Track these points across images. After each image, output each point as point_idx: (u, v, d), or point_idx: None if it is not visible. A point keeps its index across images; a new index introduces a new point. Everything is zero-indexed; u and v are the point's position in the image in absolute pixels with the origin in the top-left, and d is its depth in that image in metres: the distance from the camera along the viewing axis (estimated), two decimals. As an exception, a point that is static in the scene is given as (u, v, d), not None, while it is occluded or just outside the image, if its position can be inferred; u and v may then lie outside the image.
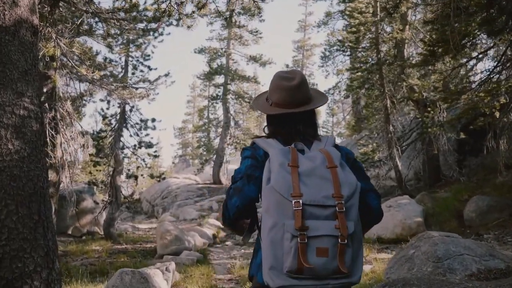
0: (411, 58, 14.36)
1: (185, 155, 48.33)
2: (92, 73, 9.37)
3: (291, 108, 1.99)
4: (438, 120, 13.97)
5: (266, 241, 1.69)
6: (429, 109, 13.25)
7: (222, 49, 27.33)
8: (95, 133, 14.53)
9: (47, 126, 10.69)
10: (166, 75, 12.63)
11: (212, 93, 30.17)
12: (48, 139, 10.62)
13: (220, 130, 28.81)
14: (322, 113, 50.50)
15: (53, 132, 10.70)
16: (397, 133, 14.47)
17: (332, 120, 54.90)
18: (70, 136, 11.56)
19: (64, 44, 8.62)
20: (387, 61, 12.87)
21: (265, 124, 2.14)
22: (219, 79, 27.77)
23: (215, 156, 27.84)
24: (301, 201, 1.64)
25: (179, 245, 10.58)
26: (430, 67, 13.66)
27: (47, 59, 10.56)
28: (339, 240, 1.63)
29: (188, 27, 7.26)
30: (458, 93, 11.49)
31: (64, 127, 11.29)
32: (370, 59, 13.48)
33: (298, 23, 43.11)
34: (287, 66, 44.97)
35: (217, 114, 33.38)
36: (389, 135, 12.93)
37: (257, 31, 26.55)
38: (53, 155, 10.69)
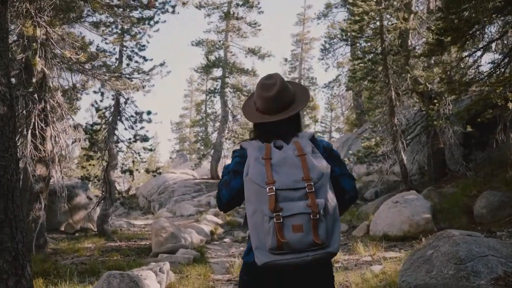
0: (416, 48, 13.83)
1: (183, 150, 47.84)
2: (77, 54, 8.78)
3: (274, 114, 2.19)
4: (444, 113, 13.48)
5: (250, 226, 1.92)
6: (435, 101, 12.73)
7: (220, 41, 26.78)
8: (88, 126, 13.96)
9: (36, 118, 10.19)
10: (161, 64, 12.06)
11: (210, 87, 29.63)
12: (37, 132, 10.12)
13: (218, 124, 28.31)
14: (321, 108, 49.92)
15: (42, 124, 10.19)
16: (401, 126, 13.94)
17: (330, 115, 54.48)
18: (62, 129, 11.06)
19: (46, 23, 8.05)
20: (392, 51, 12.34)
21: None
22: (217, 72, 27.24)
23: (212, 150, 27.33)
24: (274, 187, 1.87)
25: (175, 242, 10.08)
26: (435, 58, 13.18)
27: (34, 45, 10.10)
28: (311, 216, 1.83)
29: (184, 3, 6.73)
30: (467, 84, 10.99)
31: (55, 119, 10.78)
32: (374, 49, 12.94)
33: (297, 16, 42.66)
34: (285, 60, 44.57)
35: (215, 108, 32.85)
36: (394, 128, 12.42)
37: (255, 23, 26.04)
38: (42, 149, 10.17)
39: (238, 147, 2.28)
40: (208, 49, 26.53)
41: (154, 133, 58.08)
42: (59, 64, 10.73)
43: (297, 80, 44.06)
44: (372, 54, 12.64)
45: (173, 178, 26.45)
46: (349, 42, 16.68)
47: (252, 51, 26.24)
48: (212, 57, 26.28)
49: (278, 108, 2.19)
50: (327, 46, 26.46)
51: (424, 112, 14.34)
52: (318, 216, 1.83)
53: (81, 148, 14.49)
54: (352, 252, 8.66)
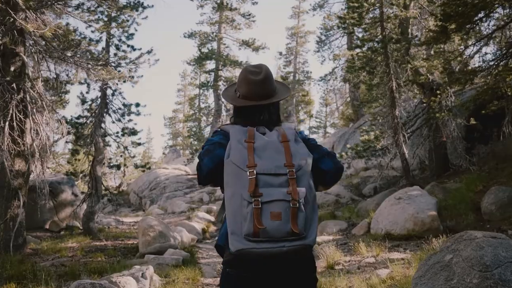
0: (419, 36, 13.20)
1: (176, 146, 47.15)
2: (43, 29, 8.10)
3: (257, 101, 2.18)
4: (446, 105, 12.90)
5: (228, 210, 1.88)
6: (437, 92, 12.12)
7: (213, 33, 25.97)
8: (74, 119, 13.28)
9: (14, 109, 9.50)
10: (148, 52, 11.34)
11: (203, 81, 28.93)
12: (15, 124, 9.44)
13: (211, 118, 27.63)
14: (316, 103, 49.33)
15: (21, 116, 9.50)
16: (401, 119, 13.33)
17: (325, 110, 54.01)
18: (43, 121, 10.37)
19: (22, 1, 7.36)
20: (393, 39, 11.70)
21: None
22: (210, 65, 26.46)
23: (205, 145, 26.59)
24: (255, 171, 1.82)
25: (163, 242, 9.45)
26: (437, 47, 12.60)
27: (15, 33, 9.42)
28: (291, 204, 1.78)
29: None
30: (472, 73, 10.40)
31: (35, 111, 10.09)
32: (374, 38, 12.28)
33: (292, 9, 41.84)
34: (280, 53, 43.85)
35: (208, 102, 32.22)
36: (395, 121, 11.79)
37: (249, 14, 25.28)
38: (21, 142, 9.49)
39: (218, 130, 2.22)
40: (200, 41, 25.73)
41: (147, 128, 57.16)
42: (39, 52, 10.05)
43: (292, 74, 43.47)
44: (372, 43, 11.98)
45: (165, 173, 25.76)
46: (346, 32, 15.95)
47: (246, 43, 25.46)
48: (205, 50, 25.50)
49: (263, 94, 2.19)
50: (323, 38, 25.88)
51: (425, 104, 13.76)
52: (297, 204, 1.79)
53: (65, 142, 13.79)
54: (353, 252, 8.04)
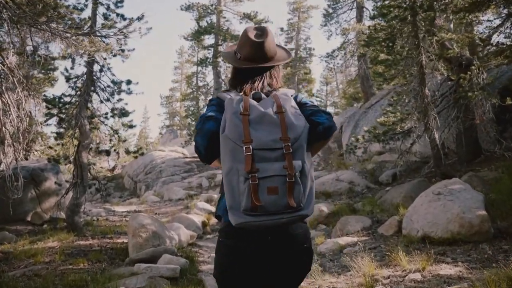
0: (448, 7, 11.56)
1: (173, 126, 45.58)
2: None
3: (259, 63, 2.19)
4: (477, 82, 11.33)
5: (225, 185, 1.89)
6: (473, 67, 10.55)
7: (212, 5, 24.28)
8: (56, 98, 11.68)
9: (-21, 86, 7.95)
10: (139, 18, 9.61)
11: (201, 57, 27.16)
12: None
13: (210, 97, 25.99)
14: (316, 82, 47.63)
15: (-13, 94, 7.95)
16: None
17: (326, 89, 52.42)
18: (15, 100, 8.80)
19: None
20: (424, 6, 10.05)
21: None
22: (209, 40, 24.82)
23: (204, 126, 24.97)
24: (251, 147, 1.83)
25: (157, 245, 7.98)
26: (474, 15, 11.00)
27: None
28: (287, 179, 1.81)
29: None
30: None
31: (4, 89, 8.50)
32: (400, 4, 10.58)
33: (294, -18, 39.85)
34: (281, 29, 42.03)
35: (207, 80, 30.53)
36: (425, 101, 10.20)
37: (251, -15, 23.52)
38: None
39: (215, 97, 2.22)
40: (199, 14, 24.01)
41: (144, 107, 55.62)
42: (10, 19, 8.41)
43: (293, 51, 41.71)
44: (397, 9, 10.31)
45: (161, 156, 24.22)
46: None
47: (247, 17, 23.73)
48: (203, 23, 23.81)
49: (265, 56, 2.19)
50: (330, 11, 24.08)
51: (452, 81, 12.20)
52: (294, 179, 1.82)
53: (45, 124, 12.24)
54: (390, 262, 6.55)
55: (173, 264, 7.12)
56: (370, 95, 23.13)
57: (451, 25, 14.95)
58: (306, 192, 1.88)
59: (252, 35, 2.19)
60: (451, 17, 12.86)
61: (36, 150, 19.17)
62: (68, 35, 8.54)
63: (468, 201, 7.41)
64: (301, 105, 2.13)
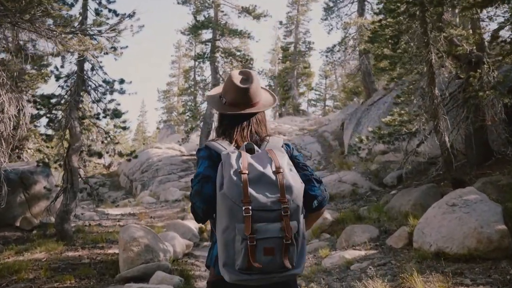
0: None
1: (170, 121, 44.92)
2: None
3: (244, 108, 2.19)
4: (488, 81, 10.74)
5: (220, 241, 1.88)
6: (485, 65, 9.97)
7: (209, -1, 23.54)
8: (45, 98, 11.09)
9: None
10: (130, 16, 8.97)
11: (199, 52, 26.50)
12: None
13: (207, 93, 25.34)
14: (315, 76, 46.99)
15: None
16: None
17: (325, 82, 51.77)
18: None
19: None
20: (434, 1, 9.43)
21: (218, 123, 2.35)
22: (207, 35, 24.16)
23: (202, 123, 24.30)
24: (250, 207, 1.81)
25: (150, 259, 7.41)
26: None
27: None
28: (284, 241, 1.82)
29: None
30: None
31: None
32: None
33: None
34: (280, 23, 41.38)
35: (205, 75, 29.88)
36: (435, 101, 9.61)
37: (250, -22, 22.83)
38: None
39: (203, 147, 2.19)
40: (196, 8, 23.31)
41: (141, 101, 54.88)
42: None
43: (292, 45, 41.06)
44: (406, 5, 9.68)
45: (158, 154, 23.62)
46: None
47: (246, 10, 23.04)
48: (200, 17, 23.12)
49: (250, 101, 2.20)
50: (331, 4, 23.44)
51: (461, 80, 11.62)
52: (290, 240, 1.83)
53: (34, 126, 11.66)
54: (403, 284, 5.98)
55: (167, 283, 6.58)
56: (372, 91, 22.53)
57: (457, 19, 14.37)
58: (300, 251, 1.91)
59: (237, 80, 2.19)
60: (456, 11, 12.28)
61: (29, 148, 18.58)
62: (54, 33, 7.93)
63: (485, 213, 6.85)
64: (293, 158, 2.14)
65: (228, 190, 1.84)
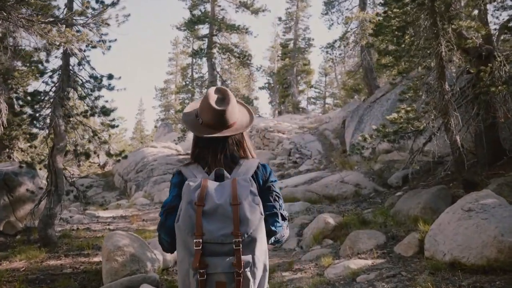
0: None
1: (167, 119, 44.26)
2: None
3: (219, 130, 2.09)
4: (500, 76, 10.09)
5: (179, 272, 1.90)
6: (497, 59, 9.31)
7: (206, -7, 22.82)
8: (28, 95, 10.42)
9: None
10: (113, 3, 8.31)
11: (196, 48, 25.79)
12: None
13: (205, 90, 24.70)
14: (315, 73, 46.26)
15: None
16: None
17: (325, 80, 51.13)
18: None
19: None
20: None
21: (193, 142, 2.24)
22: (203, 30, 23.48)
23: (199, 121, 23.59)
24: (201, 241, 1.77)
25: (136, 270, 6.74)
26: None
27: None
28: (235, 275, 1.76)
29: None
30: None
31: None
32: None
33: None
34: (279, 19, 40.71)
35: (202, 72, 29.21)
36: (445, 98, 8.94)
37: (247, -28, 22.13)
38: None
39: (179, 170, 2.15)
40: (192, 3, 22.61)
41: (139, 99, 54.20)
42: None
43: (292, 42, 40.38)
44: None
45: (153, 153, 22.92)
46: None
47: (244, 5, 22.34)
48: (197, 12, 22.41)
49: (226, 123, 2.11)
50: (332, -1, 22.74)
51: (471, 75, 10.95)
52: (241, 275, 1.78)
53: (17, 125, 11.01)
54: (417, 301, 5.33)
55: (152, 298, 5.91)
56: (374, 88, 21.84)
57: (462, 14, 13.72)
58: (256, 284, 1.85)
59: (212, 101, 2.11)
60: (462, 3, 11.62)
61: (20, 148, 17.93)
62: (29, 24, 7.25)
63: (506, 220, 6.19)
64: (266, 182, 2.10)
65: (182, 222, 1.82)
